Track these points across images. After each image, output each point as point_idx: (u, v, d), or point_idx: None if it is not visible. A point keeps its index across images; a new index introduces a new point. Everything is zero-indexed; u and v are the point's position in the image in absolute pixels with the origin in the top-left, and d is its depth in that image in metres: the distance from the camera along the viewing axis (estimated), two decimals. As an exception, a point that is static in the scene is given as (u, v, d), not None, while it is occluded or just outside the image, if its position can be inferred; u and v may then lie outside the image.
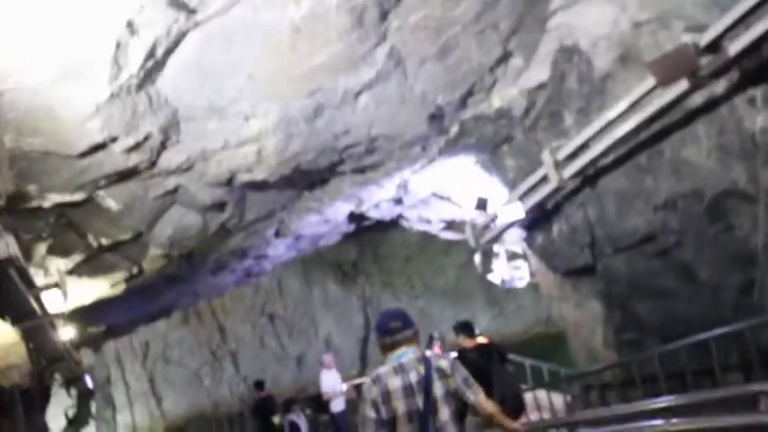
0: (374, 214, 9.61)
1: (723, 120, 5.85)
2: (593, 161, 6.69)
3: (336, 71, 6.04)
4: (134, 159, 5.80)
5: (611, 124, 6.33)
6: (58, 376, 8.56)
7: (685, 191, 6.33)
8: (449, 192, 9.06)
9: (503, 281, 9.97)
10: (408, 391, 3.19)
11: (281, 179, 7.27)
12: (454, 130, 7.79)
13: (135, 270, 7.68)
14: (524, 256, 10.54)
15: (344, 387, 10.05)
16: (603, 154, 6.62)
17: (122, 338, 21.54)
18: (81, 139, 5.07)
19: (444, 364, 3.29)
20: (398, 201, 9.27)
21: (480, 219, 8.48)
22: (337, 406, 9.83)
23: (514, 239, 8.85)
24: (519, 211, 7.37)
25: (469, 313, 20.91)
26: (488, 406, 3.31)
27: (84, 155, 5.35)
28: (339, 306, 21.51)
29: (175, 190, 6.73)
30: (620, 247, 7.14)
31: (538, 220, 8.05)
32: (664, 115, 6.01)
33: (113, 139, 5.35)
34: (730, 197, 6.04)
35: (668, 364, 7.02)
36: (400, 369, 3.23)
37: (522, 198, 7.72)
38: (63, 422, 9.94)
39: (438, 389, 3.20)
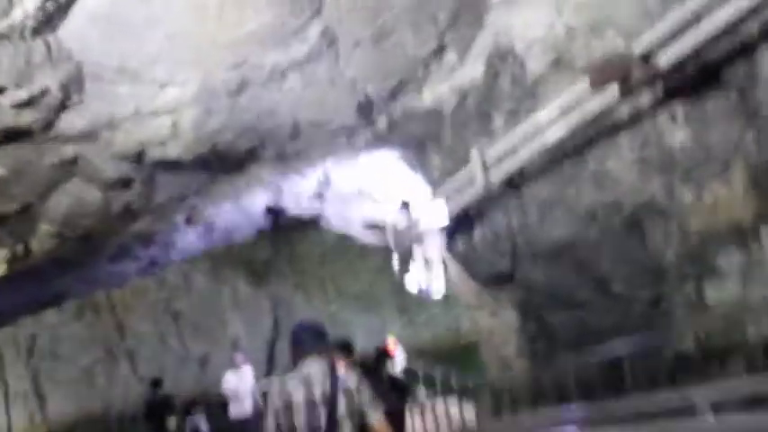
0: (293, 209, 9.17)
1: (646, 134, 5.93)
2: (520, 166, 6.62)
3: (265, 44, 5.63)
4: (26, 118, 5.11)
5: (539, 129, 6.28)
6: None
7: (606, 202, 6.36)
8: (371, 189, 8.78)
9: (420, 289, 9.76)
10: (311, 406, 3.18)
11: (196, 159, 6.72)
12: (382, 123, 7.52)
13: (20, 249, 6.83)
14: (442, 265, 10.43)
15: (249, 389, 9.50)
16: (530, 160, 6.56)
17: (3, 330, 19.72)
18: (-40, 84, 4.38)
19: (351, 381, 3.30)
20: (319, 195, 8.89)
21: (402, 221, 8.24)
22: (238, 410, 9.06)
23: (435, 245, 8.68)
24: (442, 210, 7.19)
25: (380, 320, 20.78)
26: (384, 429, 3.29)
27: (-37, 104, 4.64)
28: (249, 306, 20.68)
29: (75, 160, 6.04)
30: (539, 255, 7.11)
31: (460, 224, 7.91)
32: (591, 124, 6.01)
33: (0, 90, 4.66)
34: (647, 211, 6.13)
35: (579, 376, 7.08)
36: (306, 382, 3.22)
37: (446, 199, 7.57)
38: None
39: (342, 406, 3.19)
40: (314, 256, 21.13)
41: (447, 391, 11.56)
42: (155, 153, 6.35)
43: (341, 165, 8.17)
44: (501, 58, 6.80)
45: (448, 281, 10.41)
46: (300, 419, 3.18)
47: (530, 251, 7.16)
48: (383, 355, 8.30)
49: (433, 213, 7.38)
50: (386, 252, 21.38)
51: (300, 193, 8.69)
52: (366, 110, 7.13)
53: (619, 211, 6.26)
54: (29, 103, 4.89)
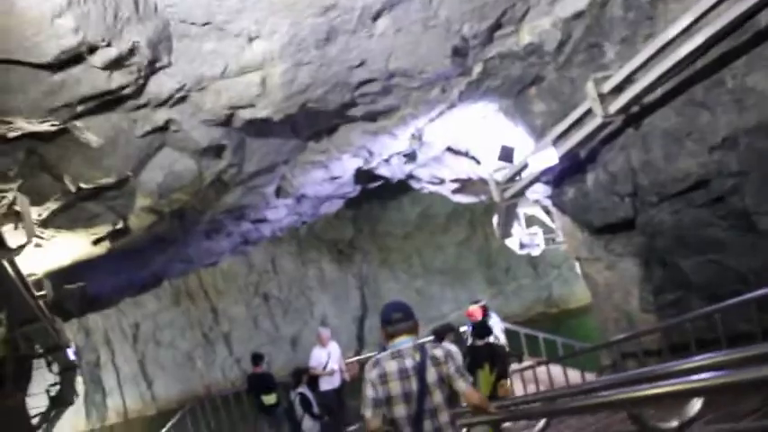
0: (384, 172, 8.68)
1: (800, 39, 5.00)
2: (640, 95, 5.81)
3: (355, -18, 5.11)
4: (117, 80, 4.82)
5: (663, 50, 5.46)
6: (36, 347, 7.57)
7: (749, 125, 5.45)
8: (466, 145, 8.17)
9: (521, 245, 9.11)
10: (404, 374, 3.44)
11: (286, 119, 6.31)
12: (477, 70, 6.87)
13: (120, 225, 6.70)
14: (543, 222, 9.71)
15: (335, 365, 9.31)
16: (649, 89, 5.74)
17: (111, 319, 20.53)
18: (50, 42, 4.08)
19: (439, 352, 3.51)
20: (411, 156, 8.36)
21: (503, 172, 7.58)
22: (326, 384, 9.15)
23: (540, 196, 8.00)
24: (552, 156, 6.48)
25: (468, 293, 20.11)
26: (473, 396, 3.61)
27: (55, 67, 4.36)
28: (335, 285, 20.61)
29: (166, 126, 5.76)
30: (666, 195, 6.27)
31: (568, 171, 7.17)
32: (727, 36, 5.14)
33: (91, 49, 4.37)
34: (805, 129, 5.22)
35: (715, 328, 6.24)
36: (398, 355, 3.48)
37: (555, 143, 6.84)
38: (45, 402, 8.94)
39: (431, 375, 3.44)
40: (397, 232, 20.75)
41: (551, 355, 10.82)
42: (245, 114, 5.99)
43: (434, 120, 7.58)
44: (611, -22, 5.99)
45: (554, 235, 9.70)
46: (396, 388, 3.44)
47: (654, 191, 6.34)
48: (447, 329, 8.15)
49: (542, 157, 6.68)
50: (470, 224, 20.68)
51: (392, 153, 8.18)
52: (461, 56, 6.48)
53: (767, 135, 5.37)
54: (119, 63, 4.59)
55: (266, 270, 20.41)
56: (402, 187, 18.76)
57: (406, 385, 3.50)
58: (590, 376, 8.45)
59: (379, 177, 8.99)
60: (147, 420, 19.91)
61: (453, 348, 9.50)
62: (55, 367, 8.52)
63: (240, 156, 6.90)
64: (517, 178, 7.51)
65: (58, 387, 8.92)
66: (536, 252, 9.58)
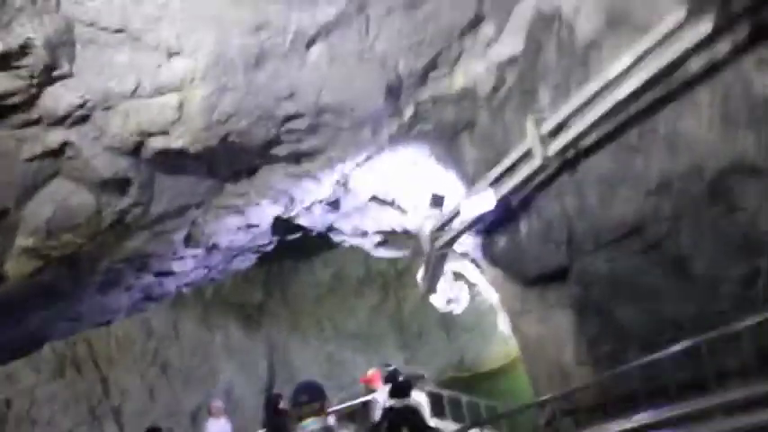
0: (304, 221, 8.02)
1: (727, 85, 5.05)
2: (576, 139, 5.65)
3: (290, 1, 4.64)
4: (2, 85, 3.96)
5: (597, 95, 5.36)
6: None
7: (682, 169, 5.39)
8: (393, 194, 7.73)
9: (448, 300, 8.64)
10: None
11: (203, 153, 5.59)
12: (409, 112, 6.55)
13: (-5, 269, 5.53)
14: (466, 279, 9.36)
15: None
16: (586, 132, 5.61)
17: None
18: None
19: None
20: (334, 204, 7.78)
21: (432, 221, 7.16)
22: None
23: (469, 248, 7.62)
24: (490, 200, 6.14)
25: (380, 358, 19.27)
26: None
27: None
28: (242, 353, 19.05)
29: (62, 151, 4.86)
30: (601, 242, 6.07)
31: (500, 220, 6.88)
32: (662, 80, 5.12)
33: (-30, 40, 3.54)
34: (735, 173, 5.20)
35: (653, 379, 5.98)
36: None
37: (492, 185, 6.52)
38: None
39: None
40: (309, 295, 19.76)
41: (475, 419, 10.26)
42: (156, 143, 5.21)
43: (361, 167, 7.12)
44: (544, 25, 5.92)
45: (481, 291, 9.33)
46: None
47: (589, 238, 6.13)
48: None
49: (474, 205, 6.32)
50: (383, 288, 20.15)
51: (314, 202, 7.57)
52: (395, 95, 6.14)
53: (699, 178, 5.31)
54: (5, 62, 3.75)
55: (167, 335, 18.59)
56: (315, 247, 18.06)
57: None
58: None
59: (298, 228, 8.32)
60: None
61: (423, 399, 8.89)
62: None
63: (148, 194, 6.02)
64: (447, 228, 7.10)
65: None
66: (459, 309, 9.15)
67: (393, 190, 7.70)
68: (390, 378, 10.91)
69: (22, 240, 5.30)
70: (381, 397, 9.71)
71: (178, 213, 6.69)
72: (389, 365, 11.22)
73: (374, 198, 7.94)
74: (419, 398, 9.72)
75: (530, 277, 6.85)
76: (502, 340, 21.35)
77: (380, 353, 20.22)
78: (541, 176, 6.17)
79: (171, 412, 18.68)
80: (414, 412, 8.15)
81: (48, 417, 18.08)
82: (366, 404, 9.87)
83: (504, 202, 6.44)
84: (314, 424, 3.63)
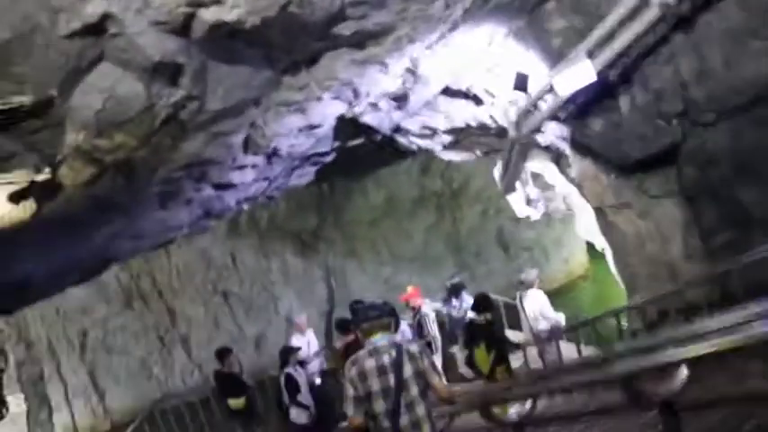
0: (370, 120, 7.24)
1: None
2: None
3: None
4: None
5: None
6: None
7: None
8: (468, 81, 6.83)
9: (528, 200, 7.84)
10: (381, 370, 3.64)
11: (260, 30, 4.81)
12: (489, -25, 5.57)
13: (46, 174, 5.00)
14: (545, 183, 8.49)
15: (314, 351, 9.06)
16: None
17: (55, 328, 18.20)
18: None
19: (414, 348, 3.76)
20: (402, 99, 6.95)
21: (512, 107, 6.28)
22: (308, 372, 8.59)
23: (554, 138, 6.74)
24: (588, 71, 5.21)
25: (438, 279, 18.80)
26: (442, 390, 3.82)
27: None
28: (300, 279, 18.92)
29: (103, 27, 4.17)
30: (724, 111, 5.10)
31: (594, 99, 5.96)
32: None
33: None
34: None
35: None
36: (375, 352, 3.70)
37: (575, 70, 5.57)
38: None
39: (407, 370, 3.63)
40: (362, 219, 19.25)
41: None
42: (208, 16, 4.44)
43: (433, 49, 6.21)
44: None
45: (556, 196, 8.50)
46: (375, 384, 3.61)
47: (709, 107, 5.16)
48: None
49: (569, 79, 5.40)
50: (438, 209, 19.43)
51: (381, 96, 6.76)
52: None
53: None
54: None
55: (226, 265, 18.56)
56: (370, 164, 17.35)
57: (384, 381, 3.62)
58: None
59: (363, 130, 7.55)
60: (100, 436, 17.72)
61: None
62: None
63: (202, 86, 5.32)
64: (532, 113, 6.22)
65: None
66: (537, 213, 8.34)
67: (467, 77, 6.79)
68: (454, 290, 10.43)
69: (73, 137, 4.72)
70: (430, 310, 9.61)
71: (235, 112, 6.00)
72: (454, 278, 10.72)
73: (446, 91, 7.06)
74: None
75: (630, 163, 5.96)
76: (562, 259, 20.57)
77: (438, 275, 19.75)
78: (650, 39, 5.15)
79: (234, 339, 18.85)
80: (491, 327, 7.71)
81: (121, 345, 18.56)
82: (419, 320, 9.58)
83: (601, 77, 5.49)
84: (384, 339, 3.74)
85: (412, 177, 19.02)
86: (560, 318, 8.16)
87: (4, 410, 7.10)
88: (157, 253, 17.85)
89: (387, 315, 3.88)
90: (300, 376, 7.91)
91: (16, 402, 18.10)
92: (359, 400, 3.67)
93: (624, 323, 8.06)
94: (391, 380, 3.62)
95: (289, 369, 7.91)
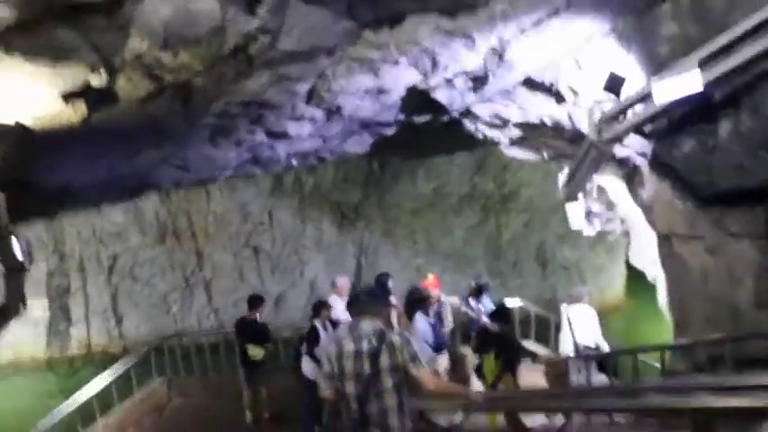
0: (441, 96, 6.82)
1: None
2: None
3: None
4: None
5: None
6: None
7: None
8: (553, 76, 6.34)
9: (588, 213, 7.34)
10: (358, 355, 3.66)
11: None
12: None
13: (102, 79, 4.79)
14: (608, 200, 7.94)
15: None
16: None
17: (89, 247, 18.53)
18: None
19: (396, 339, 3.71)
20: (481, 81, 6.51)
21: (597, 109, 5.77)
22: None
23: (632, 152, 6.21)
24: (694, 82, 4.68)
25: (469, 281, 18.39)
26: (427, 380, 3.73)
27: None
28: (332, 249, 18.71)
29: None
30: None
31: (691, 117, 5.41)
32: None
33: None
34: None
35: None
36: (357, 336, 3.72)
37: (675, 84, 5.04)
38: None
39: (384, 360, 3.64)
40: (406, 205, 18.83)
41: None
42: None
43: (526, 34, 5.75)
44: None
45: (615, 216, 7.94)
46: (349, 366, 3.67)
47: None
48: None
49: (671, 88, 4.88)
50: (484, 210, 18.85)
51: (459, 73, 6.33)
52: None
53: None
54: None
55: (262, 221, 18.50)
56: (423, 153, 16.91)
57: (359, 366, 3.64)
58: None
59: (432, 106, 7.14)
60: (110, 357, 17.95)
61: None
62: (-2, 270, 6.59)
63: (278, 21, 5.01)
64: (619, 120, 5.69)
65: (3, 292, 7.00)
66: (593, 230, 7.82)
67: (553, 71, 6.30)
68: (477, 290, 10.08)
69: (136, 44, 4.47)
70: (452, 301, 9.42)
71: (306, 57, 5.69)
72: (479, 276, 10.38)
73: (527, 81, 6.58)
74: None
75: (715, 193, 5.37)
76: (598, 286, 19.76)
77: (470, 276, 19.29)
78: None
79: (256, 293, 18.83)
80: (504, 338, 7.63)
81: (147, 277, 18.77)
82: (439, 311, 9.35)
83: (705, 93, 4.94)
84: (369, 325, 3.74)
85: (465, 173, 18.51)
86: (603, 343, 7.82)
87: (22, 307, 7.04)
88: (198, 195, 17.93)
89: (379, 303, 3.89)
90: (325, 333, 7.70)
91: (42, 307, 18.59)
92: (331, 377, 3.76)
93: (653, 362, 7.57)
94: (366, 366, 3.65)
95: (316, 322, 7.79)
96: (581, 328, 7.75)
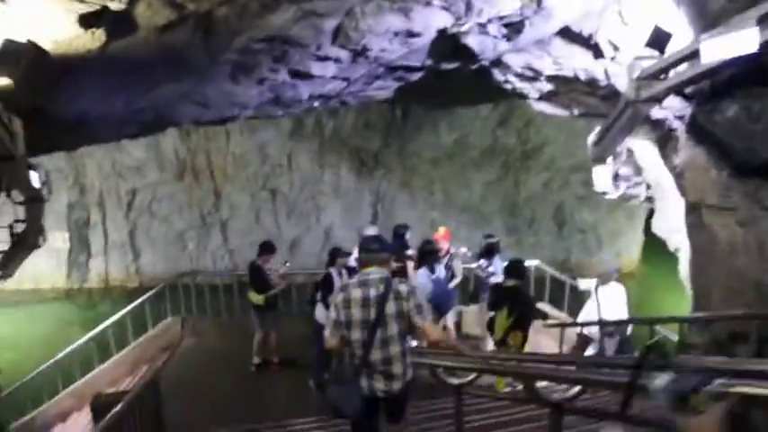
0: (472, 42, 6.48)
1: None
2: None
3: None
4: None
5: None
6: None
7: None
8: (594, 27, 5.96)
9: (616, 176, 7.08)
10: (365, 302, 3.77)
11: None
12: None
13: (123, 3, 4.58)
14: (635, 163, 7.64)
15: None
16: None
17: (109, 181, 18.58)
18: None
19: (403, 288, 3.83)
20: (515, 27, 6.15)
21: (638, 64, 5.43)
22: None
23: (670, 114, 5.89)
24: (751, 40, 4.33)
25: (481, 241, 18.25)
26: (431, 331, 3.89)
27: None
28: (349, 196, 18.65)
29: None
30: None
31: (738, 80, 5.07)
32: None
33: None
34: None
35: None
36: (364, 284, 3.84)
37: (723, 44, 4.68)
38: (7, 241, 7.04)
39: (390, 307, 3.74)
40: (426, 155, 18.57)
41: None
42: None
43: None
44: None
45: (645, 181, 7.66)
46: (356, 314, 3.77)
47: None
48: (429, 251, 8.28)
49: (724, 46, 4.53)
50: (504, 166, 18.53)
51: (493, 18, 5.98)
52: None
53: None
54: None
55: (280, 164, 18.40)
56: (448, 103, 16.49)
57: (366, 313, 3.72)
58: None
59: (462, 53, 6.80)
60: (127, 291, 18.34)
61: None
62: (16, 196, 6.56)
63: (307, -50, 4.71)
64: (661, 78, 5.36)
65: (22, 224, 7.00)
66: (617, 194, 7.56)
67: (594, 21, 5.92)
68: (487, 250, 9.94)
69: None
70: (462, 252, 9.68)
71: (334, -7, 5.39)
72: (491, 236, 10.26)
73: (564, 32, 6.21)
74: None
75: (755, 163, 5.10)
76: (614, 251, 19.56)
77: (486, 231, 19.15)
78: None
79: (272, 236, 18.85)
80: (516, 292, 7.63)
81: (165, 214, 18.91)
82: (450, 263, 9.39)
83: (759, 55, 4.59)
84: (376, 273, 3.82)
85: (487, 126, 18.11)
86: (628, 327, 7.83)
87: (41, 239, 7.04)
88: (218, 134, 17.80)
89: (385, 251, 3.93)
90: (340, 281, 7.69)
91: (62, 239, 18.88)
92: (338, 324, 3.79)
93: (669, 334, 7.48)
94: (372, 313, 3.69)
95: (332, 269, 7.82)
96: (608, 307, 7.75)
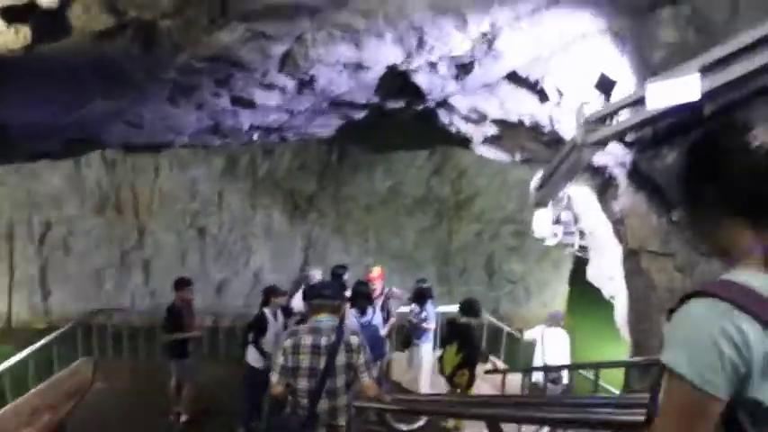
0: (421, 80, 6.43)
1: None
2: None
3: None
4: None
5: None
6: None
7: None
8: (540, 72, 6.05)
9: (556, 221, 7.10)
10: (315, 350, 3.58)
11: None
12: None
13: (56, 2, 4.15)
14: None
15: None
16: None
17: (21, 212, 17.12)
18: None
19: (354, 340, 3.64)
20: (465, 69, 6.15)
21: (583, 110, 5.51)
22: None
23: (612, 160, 5.99)
24: (693, 88, 4.45)
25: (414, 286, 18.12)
26: (371, 390, 3.70)
27: None
28: (280, 239, 18.02)
29: None
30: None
31: (676, 129, 5.22)
32: None
33: None
34: None
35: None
36: (315, 331, 3.64)
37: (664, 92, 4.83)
38: None
39: (341, 358, 3.59)
40: (360, 202, 18.38)
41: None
42: None
43: (520, 23, 5.43)
44: None
45: (577, 230, 7.75)
46: (305, 361, 3.57)
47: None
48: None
49: (666, 94, 4.65)
50: (437, 215, 18.63)
51: (444, 56, 5.96)
52: None
53: None
54: None
55: (211, 203, 17.63)
56: (385, 146, 16.49)
57: (315, 361, 3.57)
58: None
59: (409, 91, 6.74)
60: (33, 333, 16.64)
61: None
62: None
63: (262, -34, 4.50)
64: (605, 124, 5.45)
65: None
66: (554, 240, 7.61)
67: (541, 67, 6.02)
68: (419, 294, 9.79)
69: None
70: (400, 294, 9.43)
71: (287, 14, 5.18)
72: (424, 281, 10.11)
73: (512, 76, 6.28)
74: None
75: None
76: (542, 302, 19.89)
77: (417, 278, 19.05)
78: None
79: (198, 278, 17.80)
80: (468, 330, 7.65)
81: (82, 250, 17.53)
82: (386, 304, 9.14)
83: (696, 103, 4.74)
84: (329, 320, 3.67)
85: (422, 175, 18.27)
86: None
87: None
88: (146, 166, 16.92)
89: (337, 298, 3.82)
90: (274, 322, 7.14)
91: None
92: (285, 370, 3.60)
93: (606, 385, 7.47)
94: (322, 362, 3.55)
95: (266, 309, 7.24)
96: (554, 351, 7.81)
